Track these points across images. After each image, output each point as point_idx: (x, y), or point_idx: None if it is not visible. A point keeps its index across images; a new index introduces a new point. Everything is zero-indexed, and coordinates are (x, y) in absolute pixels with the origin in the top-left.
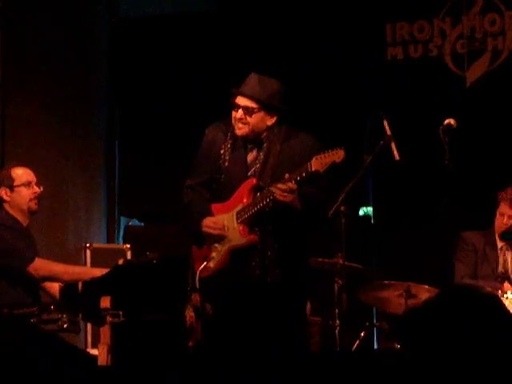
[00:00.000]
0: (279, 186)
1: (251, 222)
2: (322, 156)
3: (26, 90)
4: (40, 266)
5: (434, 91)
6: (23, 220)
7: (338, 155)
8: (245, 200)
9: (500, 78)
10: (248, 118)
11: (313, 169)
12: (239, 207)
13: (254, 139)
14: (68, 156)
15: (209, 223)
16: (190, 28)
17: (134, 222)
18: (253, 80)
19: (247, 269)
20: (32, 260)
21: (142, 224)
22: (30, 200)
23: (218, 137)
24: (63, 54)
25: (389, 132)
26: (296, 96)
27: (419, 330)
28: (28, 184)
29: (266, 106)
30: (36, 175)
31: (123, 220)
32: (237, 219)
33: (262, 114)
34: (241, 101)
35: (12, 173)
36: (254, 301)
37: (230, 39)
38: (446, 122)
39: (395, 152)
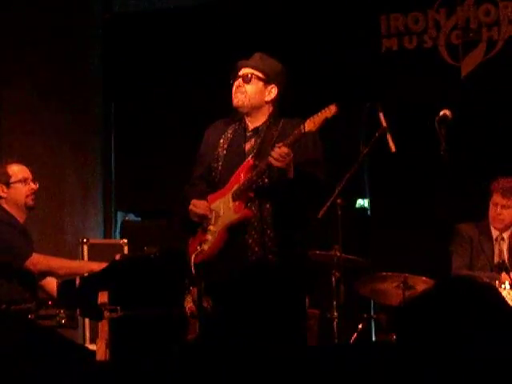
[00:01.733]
0: (273, 151)
1: (247, 198)
2: (315, 116)
3: (20, 87)
4: (37, 260)
5: (429, 82)
6: (20, 216)
7: (329, 111)
8: (242, 177)
9: (495, 68)
10: (246, 86)
11: (306, 129)
12: (235, 187)
13: (250, 113)
14: (64, 151)
15: (195, 202)
16: (183, 23)
17: (131, 217)
18: (255, 56)
19: (245, 247)
20: (29, 255)
21: (139, 219)
22: (27, 196)
23: (217, 132)
24: (57, 49)
25: (384, 124)
26: (290, 88)
27: (416, 322)
28: (24, 181)
29: (265, 76)
30: (32, 171)
31: (120, 215)
32: (232, 198)
33: (260, 84)
34: (241, 71)
35: (8, 169)
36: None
37: (224, 32)
38: (442, 113)
39: (391, 143)
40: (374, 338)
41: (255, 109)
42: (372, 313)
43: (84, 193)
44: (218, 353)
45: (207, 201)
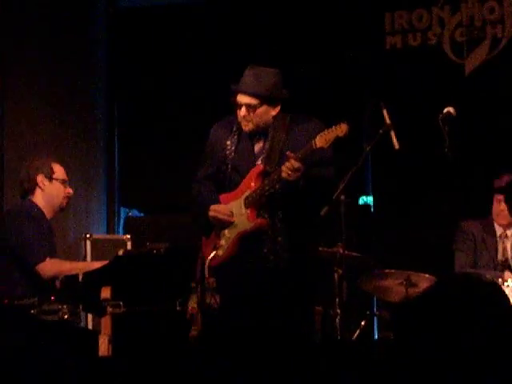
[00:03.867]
0: (285, 165)
1: (259, 206)
2: (326, 132)
3: (25, 83)
4: (49, 267)
5: (433, 80)
6: (48, 213)
7: (340, 129)
8: (252, 184)
9: (499, 65)
10: (252, 115)
11: (317, 146)
12: (247, 193)
13: (261, 131)
14: (67, 146)
15: (216, 208)
16: (189, 18)
17: (134, 213)
18: (249, 75)
19: (260, 256)
20: (43, 260)
21: (142, 214)
22: (64, 197)
23: (223, 132)
24: (60, 44)
25: (388, 121)
26: (294, 85)
27: (418, 319)
28: (64, 182)
29: (266, 99)
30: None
31: (123, 210)
32: (245, 204)
33: (264, 107)
34: (242, 98)
35: (52, 165)
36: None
37: (230, 27)
38: (446, 110)
39: (395, 141)
40: (376, 335)
41: (265, 124)
42: (375, 310)
43: (87, 188)
44: (220, 349)
45: (219, 199)
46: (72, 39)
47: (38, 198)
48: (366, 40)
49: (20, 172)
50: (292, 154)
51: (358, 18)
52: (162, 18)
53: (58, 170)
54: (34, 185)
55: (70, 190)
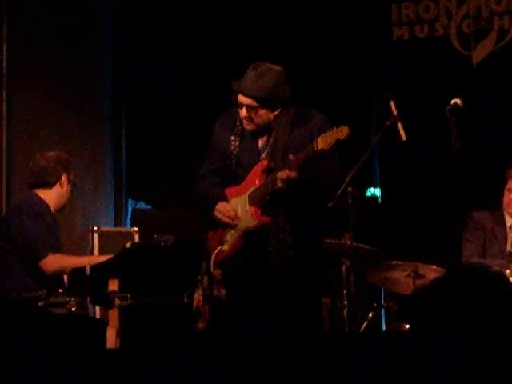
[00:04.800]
0: (279, 174)
1: (263, 203)
2: (328, 134)
3: (31, 74)
4: (51, 263)
5: (440, 71)
6: (53, 209)
7: (341, 133)
8: (257, 181)
9: (506, 57)
10: (253, 115)
11: (318, 148)
12: (251, 189)
13: (263, 129)
14: (74, 139)
15: (220, 208)
16: (196, 8)
17: (141, 205)
18: (250, 76)
19: (264, 253)
20: (45, 256)
21: (150, 207)
22: (69, 200)
23: (227, 125)
24: (68, 37)
25: (395, 112)
26: (301, 77)
27: (428, 309)
28: (75, 187)
29: (267, 102)
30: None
31: (130, 203)
32: (249, 202)
33: (265, 110)
34: (243, 99)
35: (74, 166)
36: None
37: (239, 18)
38: (453, 101)
39: (402, 132)
40: (384, 327)
41: (267, 123)
42: (382, 301)
43: (95, 181)
44: (227, 341)
45: (225, 193)
46: (78, 31)
47: (50, 194)
48: (373, 31)
49: (38, 160)
50: (293, 158)
51: (365, 10)
52: (169, 8)
53: (75, 174)
54: (55, 181)
55: (71, 195)
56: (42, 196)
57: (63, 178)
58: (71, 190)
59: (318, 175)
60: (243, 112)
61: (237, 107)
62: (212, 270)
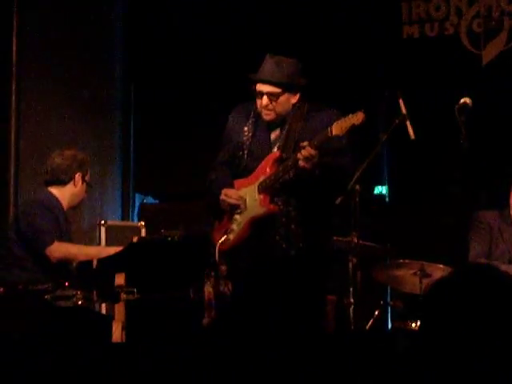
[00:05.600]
0: (300, 153)
1: (273, 192)
2: (342, 120)
3: (40, 67)
4: (56, 248)
5: (449, 70)
6: (65, 206)
7: (357, 118)
8: (268, 170)
9: None
10: (274, 103)
11: (333, 133)
12: (261, 178)
13: (280, 121)
14: (82, 133)
15: (226, 191)
16: (206, 4)
17: (149, 199)
18: (269, 64)
19: (272, 242)
20: (51, 243)
21: (157, 201)
22: (82, 200)
23: (242, 117)
24: (78, 27)
25: (404, 111)
26: (311, 74)
27: (438, 308)
28: (89, 187)
29: (288, 87)
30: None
31: (138, 197)
32: (258, 190)
33: (286, 95)
34: (263, 87)
35: (89, 165)
36: (277, 276)
37: (249, 11)
38: (462, 101)
39: (410, 131)
40: (390, 325)
41: (286, 112)
42: (388, 300)
43: (102, 175)
44: (233, 337)
45: (233, 184)
46: (89, 23)
47: (63, 192)
48: (384, 30)
49: (54, 158)
50: (307, 143)
51: (375, 8)
52: (180, 6)
53: (89, 174)
54: (69, 179)
55: (85, 195)
56: (56, 193)
57: (77, 176)
58: (86, 190)
59: (332, 169)
60: (264, 101)
61: (251, 101)
62: (218, 262)
